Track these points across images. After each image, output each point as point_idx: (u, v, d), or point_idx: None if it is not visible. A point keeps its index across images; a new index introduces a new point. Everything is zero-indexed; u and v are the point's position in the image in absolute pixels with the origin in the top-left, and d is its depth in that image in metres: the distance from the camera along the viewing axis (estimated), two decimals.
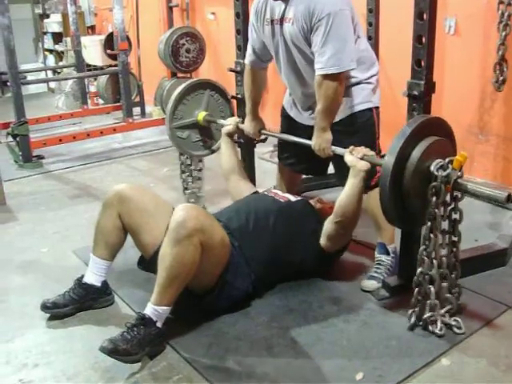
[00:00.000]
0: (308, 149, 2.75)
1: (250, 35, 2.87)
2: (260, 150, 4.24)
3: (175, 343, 2.21)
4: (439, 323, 2.22)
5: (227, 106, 3.40)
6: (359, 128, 2.64)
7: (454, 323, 2.23)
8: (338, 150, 2.51)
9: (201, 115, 3.24)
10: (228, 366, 2.08)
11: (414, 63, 2.32)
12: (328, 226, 2.51)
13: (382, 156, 2.50)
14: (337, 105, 2.56)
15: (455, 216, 2.19)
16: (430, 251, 2.19)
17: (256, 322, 2.36)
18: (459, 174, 2.07)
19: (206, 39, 5.37)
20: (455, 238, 2.22)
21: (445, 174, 2.06)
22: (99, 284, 2.46)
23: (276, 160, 3.28)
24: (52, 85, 8.33)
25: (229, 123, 3.08)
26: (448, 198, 2.14)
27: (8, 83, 4.81)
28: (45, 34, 9.08)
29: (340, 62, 2.44)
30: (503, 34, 3.31)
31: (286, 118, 3.02)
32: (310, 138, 2.70)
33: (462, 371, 2.03)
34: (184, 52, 5.19)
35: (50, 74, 8.59)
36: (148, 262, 2.44)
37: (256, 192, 2.94)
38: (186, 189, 3.51)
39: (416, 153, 2.11)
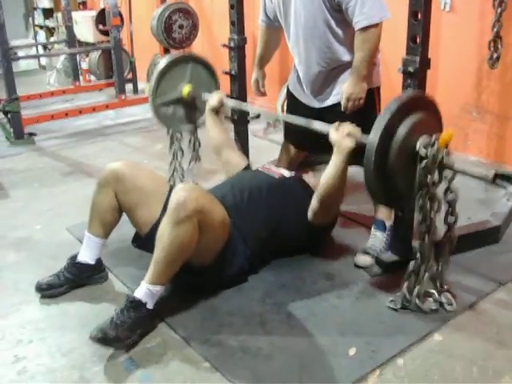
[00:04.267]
0: (310, 134, 2.76)
1: None
2: (254, 127, 4.24)
3: (169, 319, 2.22)
4: (431, 300, 2.23)
5: (212, 79, 3.28)
6: (361, 109, 2.63)
7: (444, 300, 2.24)
8: (323, 127, 2.44)
9: (185, 89, 3.13)
10: (222, 341, 2.09)
11: (410, 39, 2.30)
12: (313, 201, 2.48)
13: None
14: (377, 52, 2.61)
15: (451, 196, 2.15)
16: (427, 225, 2.16)
17: (250, 297, 2.37)
18: (445, 152, 2.03)
19: (200, 15, 5.30)
20: (452, 219, 2.20)
21: (431, 152, 2.02)
22: (93, 262, 2.46)
23: (270, 137, 3.28)
24: (43, 62, 8.25)
25: (213, 98, 3.01)
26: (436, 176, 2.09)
27: None
28: (35, 9, 8.95)
29: (381, 11, 2.48)
30: (499, 10, 3.28)
31: (290, 96, 3.02)
32: (314, 118, 2.71)
33: (454, 346, 2.05)
34: (177, 28, 5.12)
35: (40, 50, 8.49)
36: (143, 240, 2.44)
37: (248, 166, 2.92)
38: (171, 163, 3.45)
39: (401, 130, 2.05)
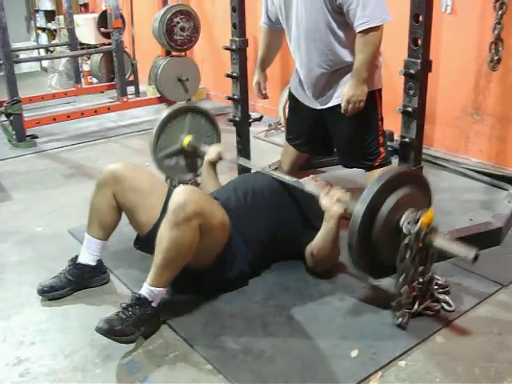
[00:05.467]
0: (316, 129, 2.77)
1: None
2: (255, 129, 4.24)
3: (171, 321, 2.22)
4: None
5: (212, 127, 3.36)
6: (362, 111, 2.64)
7: (443, 302, 2.24)
8: (314, 190, 2.45)
9: (185, 140, 3.20)
10: (224, 343, 2.09)
11: (411, 42, 2.31)
12: (309, 263, 2.52)
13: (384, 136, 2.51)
14: (377, 56, 2.62)
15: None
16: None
17: (252, 299, 2.37)
18: (427, 230, 2.05)
19: (201, 17, 5.32)
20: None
21: (414, 230, 2.05)
22: (94, 263, 2.46)
23: (271, 139, 3.28)
24: (45, 64, 8.26)
25: (211, 151, 3.02)
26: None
27: (0, 61, 4.76)
28: (37, 11, 8.98)
29: (382, 14, 2.48)
30: (499, 12, 3.28)
31: (292, 98, 3.03)
32: (315, 121, 2.72)
33: (457, 348, 2.05)
34: (178, 30, 5.13)
35: (42, 52, 8.51)
36: (143, 241, 2.45)
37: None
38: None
39: (388, 203, 2.10)
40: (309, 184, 2.52)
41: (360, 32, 2.50)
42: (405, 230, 2.07)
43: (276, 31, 2.97)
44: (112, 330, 2.00)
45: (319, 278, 2.52)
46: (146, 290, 2.11)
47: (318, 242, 2.42)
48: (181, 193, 2.12)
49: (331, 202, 2.34)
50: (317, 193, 2.43)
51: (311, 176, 2.83)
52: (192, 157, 3.29)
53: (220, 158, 3.00)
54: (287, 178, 2.64)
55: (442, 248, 2.06)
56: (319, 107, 2.83)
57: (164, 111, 3.22)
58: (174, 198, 2.10)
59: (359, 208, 2.09)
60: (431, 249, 2.11)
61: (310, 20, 2.61)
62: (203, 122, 3.32)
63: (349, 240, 2.12)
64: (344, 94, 2.63)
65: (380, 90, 2.75)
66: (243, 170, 3.24)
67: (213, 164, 3.01)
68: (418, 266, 2.12)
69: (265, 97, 3.20)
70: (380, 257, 2.17)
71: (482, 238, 2.72)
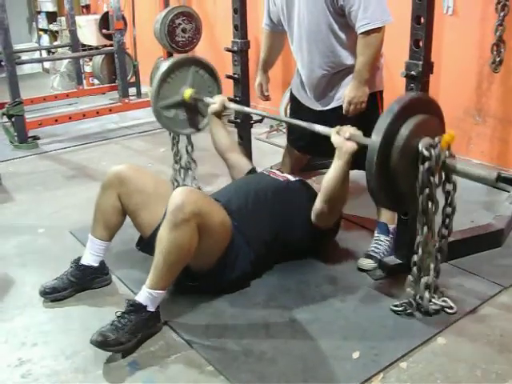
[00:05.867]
0: (314, 137, 2.77)
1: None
2: (257, 130, 4.24)
3: (172, 322, 2.23)
4: (431, 303, 2.23)
5: (214, 82, 3.27)
6: (364, 113, 2.64)
7: (443, 304, 2.24)
8: (324, 130, 2.41)
9: (187, 93, 3.12)
10: (225, 344, 2.09)
11: (413, 43, 2.31)
12: (316, 204, 2.45)
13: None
14: (379, 57, 2.61)
15: (448, 187, 2.13)
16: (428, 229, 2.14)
17: (253, 301, 2.37)
18: (447, 153, 2.01)
19: (203, 19, 5.32)
20: (449, 210, 2.17)
21: (434, 153, 1.99)
22: (97, 264, 2.47)
23: (272, 140, 3.29)
24: (47, 65, 8.27)
25: (215, 102, 2.98)
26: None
27: (2, 63, 4.77)
28: (39, 13, 8.99)
29: (383, 15, 2.48)
30: (501, 14, 3.29)
31: (293, 100, 3.03)
32: (317, 121, 2.71)
33: (458, 350, 2.05)
34: (180, 32, 5.14)
35: (44, 53, 8.52)
36: (146, 243, 2.45)
37: (253, 169, 2.91)
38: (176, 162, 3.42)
39: (403, 131, 2.02)
40: (318, 125, 2.46)
41: (361, 33, 2.50)
42: (425, 153, 1.99)
43: (278, 33, 2.98)
44: (106, 342, 1.99)
45: (322, 237, 2.57)
46: (144, 294, 2.10)
47: (326, 181, 2.32)
48: (179, 194, 2.11)
49: (343, 139, 2.26)
50: (327, 131, 2.36)
51: (313, 178, 2.84)
52: (192, 111, 3.23)
53: (224, 107, 2.97)
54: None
55: (464, 171, 2.00)
56: (320, 108, 2.83)
57: (167, 61, 3.16)
58: (172, 200, 2.10)
59: (375, 139, 2.01)
60: (453, 176, 2.07)
61: (312, 21, 2.62)
62: (206, 76, 3.24)
63: (367, 173, 2.03)
64: (345, 95, 2.63)
65: (381, 92, 2.75)
66: (246, 117, 3.28)
67: (218, 114, 2.99)
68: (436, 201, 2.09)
69: (267, 99, 3.20)
70: (400, 188, 2.09)
71: (484, 240, 2.72)
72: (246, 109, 3.08)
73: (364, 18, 2.46)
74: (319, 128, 2.45)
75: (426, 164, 2.01)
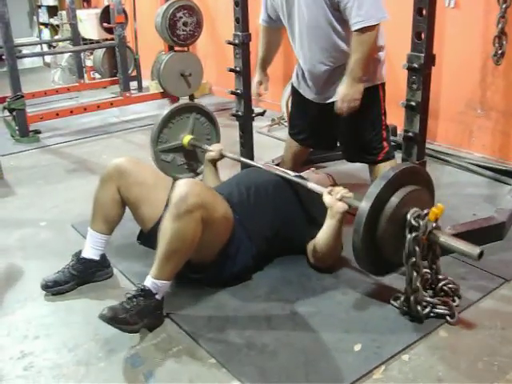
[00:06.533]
0: (319, 123, 2.76)
1: None
2: (258, 124, 4.24)
3: (174, 315, 2.23)
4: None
5: (213, 129, 3.41)
6: (365, 105, 2.64)
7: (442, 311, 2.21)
8: (317, 188, 2.47)
9: (186, 139, 3.25)
10: (227, 337, 2.10)
11: (415, 36, 2.31)
12: (310, 254, 2.52)
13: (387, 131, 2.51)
14: (373, 54, 2.60)
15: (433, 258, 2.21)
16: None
17: (255, 294, 2.37)
18: (434, 225, 2.06)
19: (204, 12, 5.30)
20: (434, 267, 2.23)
21: (422, 224, 2.05)
22: (98, 257, 2.47)
23: (274, 134, 3.29)
24: (48, 59, 8.25)
25: (212, 150, 3.03)
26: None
27: (3, 57, 4.76)
28: (39, 7, 8.98)
29: (378, 13, 2.47)
30: (503, 6, 3.28)
31: (295, 93, 3.03)
32: (318, 115, 2.71)
33: (460, 343, 2.05)
34: (181, 25, 5.12)
35: (45, 47, 8.51)
36: (146, 236, 2.45)
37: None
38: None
39: (394, 200, 2.10)
40: (311, 181, 2.53)
41: (355, 31, 2.49)
42: (413, 222, 2.06)
43: (276, 29, 2.97)
44: (115, 318, 2.01)
45: (321, 272, 2.52)
46: (149, 283, 2.11)
47: (320, 238, 2.41)
48: (183, 185, 2.12)
49: (335, 199, 2.34)
50: (320, 190, 2.44)
51: (312, 169, 2.84)
52: (190, 157, 3.35)
53: (221, 155, 3.01)
54: (290, 174, 2.64)
55: (446, 245, 2.06)
56: (322, 102, 2.82)
57: (170, 106, 3.26)
58: (175, 191, 2.11)
59: (364, 206, 2.10)
60: (436, 245, 2.12)
61: (312, 17, 2.61)
62: (206, 123, 3.38)
63: (353, 238, 2.12)
64: (339, 93, 2.62)
65: (383, 84, 2.75)
66: (246, 165, 3.23)
67: (214, 162, 3.03)
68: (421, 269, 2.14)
69: (260, 94, 3.19)
70: (385, 254, 2.18)
71: (485, 233, 2.72)
72: (243, 159, 3.08)
73: (358, 15, 2.46)
74: (311, 185, 2.49)
75: (413, 233, 2.07)
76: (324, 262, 2.50)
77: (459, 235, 2.30)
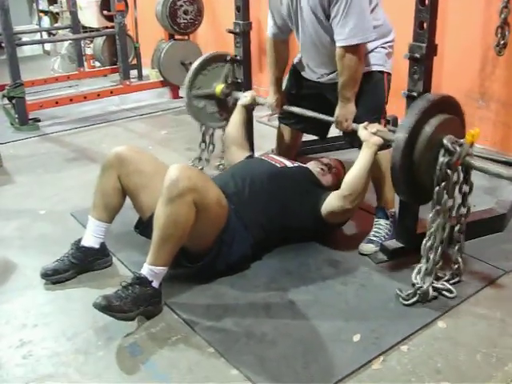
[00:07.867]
0: (314, 104, 2.76)
1: (269, 7, 2.85)
2: (258, 113, 4.21)
3: (173, 304, 2.23)
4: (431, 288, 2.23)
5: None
6: (369, 88, 2.63)
7: (442, 287, 2.25)
8: (353, 125, 2.57)
9: (219, 87, 3.30)
10: (226, 326, 2.10)
11: (417, 25, 2.28)
12: (334, 201, 2.48)
13: (388, 122, 2.53)
14: (359, 74, 2.57)
15: (465, 188, 2.24)
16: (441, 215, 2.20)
17: (254, 283, 2.37)
18: (470, 150, 2.10)
19: (204, 0, 5.27)
20: (464, 210, 2.28)
21: (458, 148, 2.08)
22: (98, 246, 2.47)
23: (274, 123, 3.27)
24: (47, 47, 8.21)
25: (246, 96, 3.12)
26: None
27: (2, 45, 4.74)
28: None
29: (362, 33, 2.46)
30: None
31: (294, 73, 2.99)
32: (317, 94, 2.70)
33: (459, 334, 2.05)
34: (182, 13, 5.10)
35: (45, 35, 8.46)
36: (144, 225, 2.45)
37: (250, 156, 2.93)
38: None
39: (428, 129, 2.13)
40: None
41: (338, 48, 2.50)
42: (450, 147, 2.09)
43: (284, 41, 2.93)
44: (109, 306, 2.01)
45: (339, 226, 2.64)
46: (146, 270, 2.12)
47: (354, 172, 2.44)
48: (173, 169, 2.13)
49: (370, 133, 2.44)
50: (355, 126, 2.54)
51: (313, 161, 2.82)
52: (220, 106, 3.42)
53: (255, 101, 3.10)
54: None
55: (482, 169, 2.09)
56: (324, 80, 2.80)
57: (206, 53, 3.39)
58: (167, 176, 2.11)
59: (401, 133, 2.14)
60: (470, 172, 2.18)
61: (313, 29, 2.61)
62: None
63: (392, 164, 2.17)
64: (335, 115, 2.67)
65: (389, 74, 2.72)
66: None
67: (246, 109, 3.13)
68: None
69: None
70: (421, 182, 2.20)
71: (486, 225, 2.72)
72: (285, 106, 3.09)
73: (340, 33, 2.46)
74: (354, 125, 2.59)
75: (447, 156, 2.11)
76: (349, 205, 2.45)
77: None
